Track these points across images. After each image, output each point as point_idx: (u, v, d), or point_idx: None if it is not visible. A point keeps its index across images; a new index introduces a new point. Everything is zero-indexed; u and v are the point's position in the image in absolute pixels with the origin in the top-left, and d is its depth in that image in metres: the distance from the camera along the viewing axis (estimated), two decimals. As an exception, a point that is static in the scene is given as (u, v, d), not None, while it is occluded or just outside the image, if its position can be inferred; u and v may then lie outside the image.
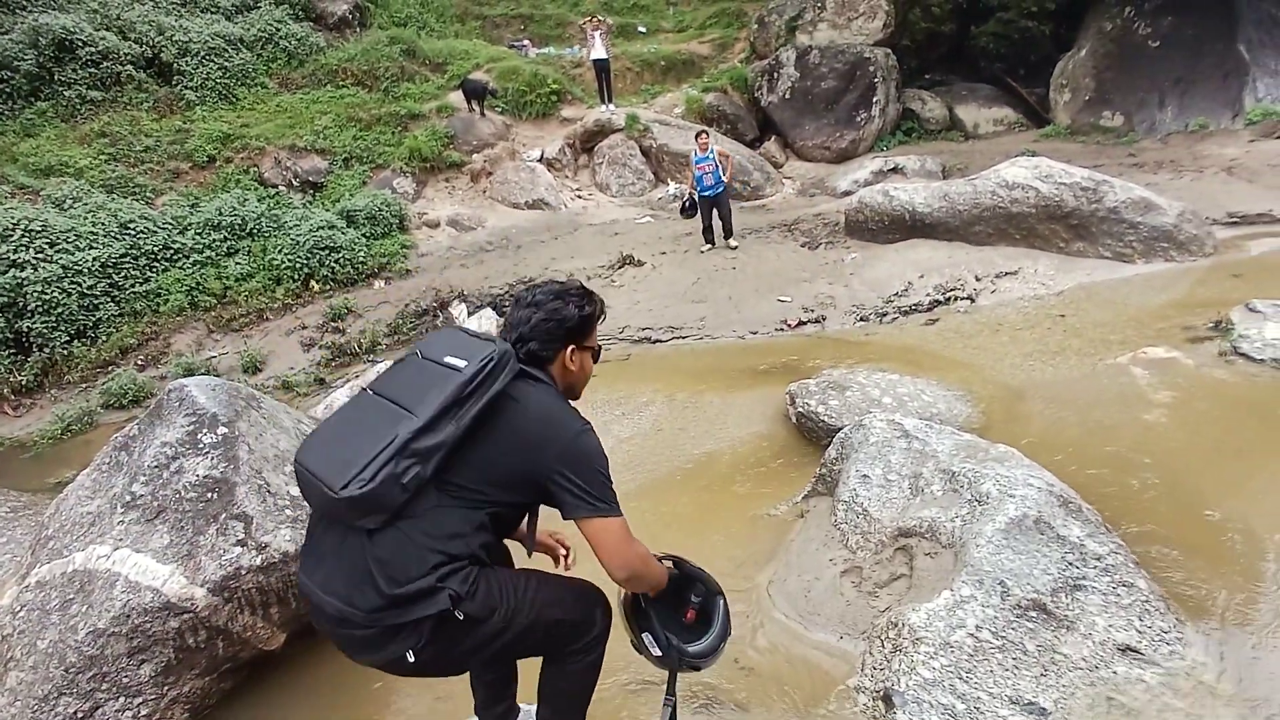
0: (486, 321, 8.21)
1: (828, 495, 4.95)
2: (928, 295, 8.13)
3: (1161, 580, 3.61)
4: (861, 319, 8.00)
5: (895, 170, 13.07)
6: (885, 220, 9.37)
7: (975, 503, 4.16)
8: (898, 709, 3.29)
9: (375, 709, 4.15)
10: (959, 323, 7.47)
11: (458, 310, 9.22)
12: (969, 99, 15.67)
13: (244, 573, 4.30)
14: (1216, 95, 12.48)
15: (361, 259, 10.64)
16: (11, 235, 8.93)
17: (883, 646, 3.69)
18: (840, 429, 5.32)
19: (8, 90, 12.14)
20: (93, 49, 12.67)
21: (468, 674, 2.40)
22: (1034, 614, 3.53)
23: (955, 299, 7.92)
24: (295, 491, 4.74)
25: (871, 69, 14.41)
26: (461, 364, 1.81)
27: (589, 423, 1.96)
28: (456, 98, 14.49)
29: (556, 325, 2.00)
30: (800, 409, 5.89)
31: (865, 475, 4.67)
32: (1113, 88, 13.39)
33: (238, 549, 4.39)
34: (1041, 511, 3.94)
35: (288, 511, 4.63)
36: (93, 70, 12.67)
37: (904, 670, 3.48)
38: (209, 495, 4.51)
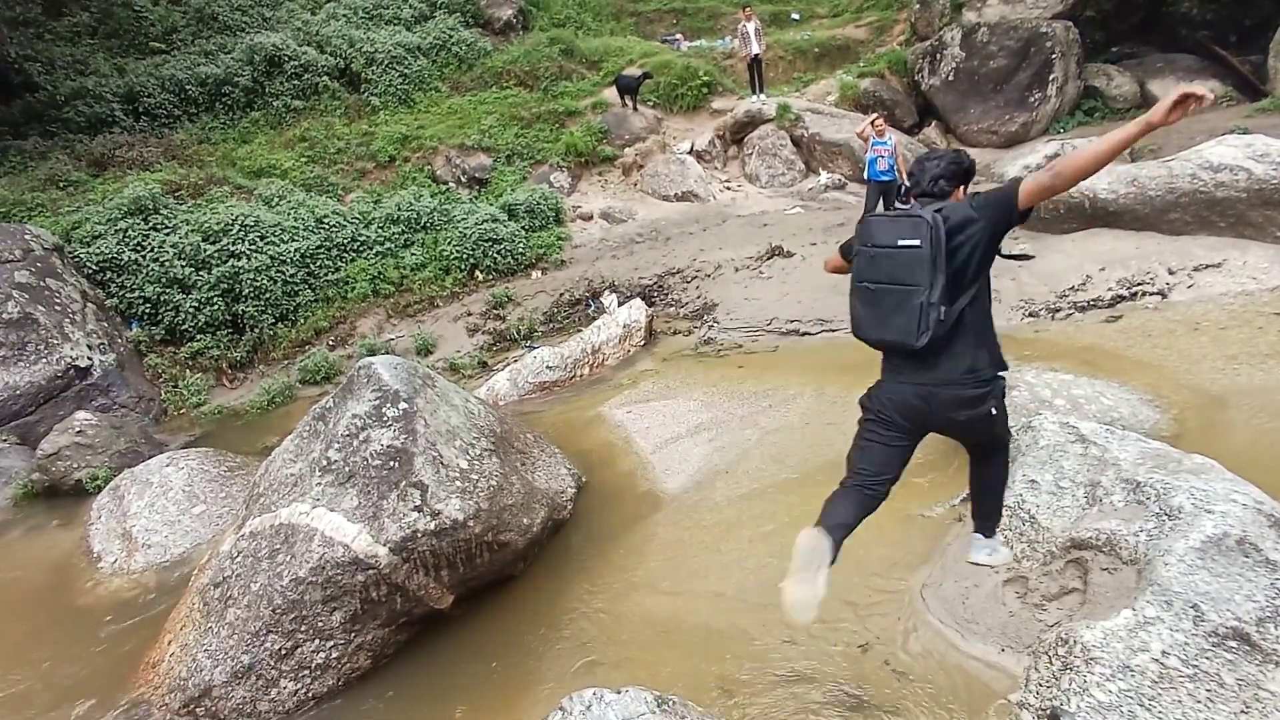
0: (636, 311, 8.42)
1: (990, 499, 4.71)
2: (1109, 290, 7.45)
3: (1399, 618, 3.15)
4: (1030, 314, 7.47)
5: (1074, 154, 12.04)
6: (1060, 208, 8.67)
7: (1165, 517, 3.82)
8: (1067, 728, 3.10)
9: (532, 665, 4.43)
10: (1147, 320, 6.79)
11: (609, 300, 9.51)
12: (1165, 72, 14.03)
13: (420, 536, 4.72)
14: None
15: (521, 250, 11.23)
16: (231, 229, 10.23)
17: (1050, 663, 3.48)
18: (1006, 430, 5.03)
19: (229, 103, 13.89)
20: (296, 63, 14.21)
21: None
22: (1234, 644, 3.20)
23: (1144, 294, 7.20)
24: (464, 465, 5.13)
25: (1048, 45, 13.29)
26: (916, 241, 2.59)
27: None
28: (611, 94, 14.89)
29: (957, 167, 2.83)
30: (961, 408, 5.61)
31: (1034, 480, 4.41)
32: (1353, 52, 11.59)
33: (415, 514, 4.82)
34: (1247, 531, 3.56)
35: (457, 483, 5.01)
36: (296, 82, 14.21)
37: (1075, 690, 3.27)
38: (391, 463, 4.97)
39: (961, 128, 14.08)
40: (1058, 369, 5.94)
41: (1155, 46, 15.12)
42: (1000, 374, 2.80)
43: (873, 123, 9.87)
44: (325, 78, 14.42)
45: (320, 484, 5.07)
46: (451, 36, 16.05)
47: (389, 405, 5.22)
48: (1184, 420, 5.19)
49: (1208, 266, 7.33)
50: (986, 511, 3.28)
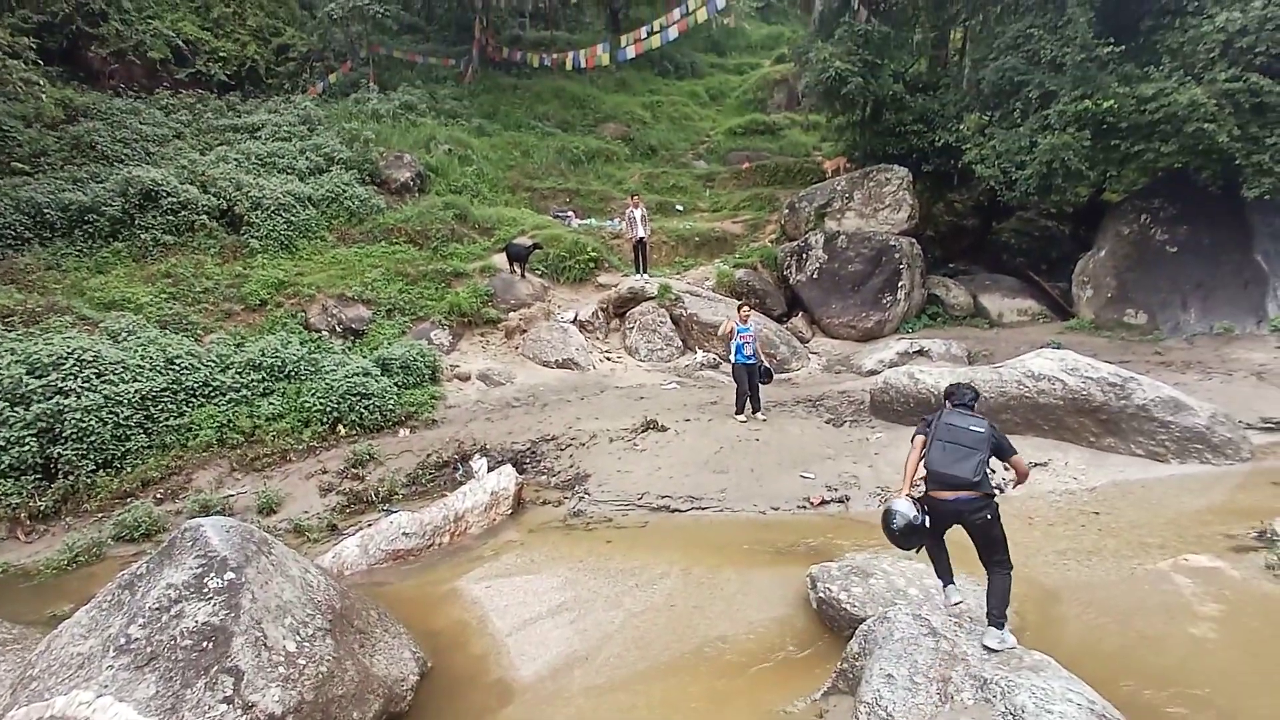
0: (505, 479, 8.15)
1: (849, 694, 4.65)
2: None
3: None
4: (885, 501, 7.82)
5: (921, 352, 13.28)
6: (910, 402, 9.41)
7: (1010, 716, 3.88)
8: None
9: None
10: (988, 513, 7.27)
11: (478, 464, 9.19)
12: (993, 289, 16.18)
13: (223, 736, 4.06)
14: (1239, 301, 12.75)
15: (390, 407, 10.80)
16: (64, 364, 9.26)
17: None
18: (863, 619, 5.08)
19: (91, 231, 13.13)
20: (174, 199, 13.78)
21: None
22: None
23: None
24: (291, 647, 4.58)
25: (897, 256, 15.08)
26: (982, 429, 4.71)
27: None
28: (500, 259, 15.32)
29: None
30: (821, 594, 5.65)
31: (890, 675, 4.40)
32: (1134, 287, 13.78)
33: (223, 706, 4.19)
34: (1084, 735, 3.64)
35: (280, 669, 4.44)
36: (170, 217, 13.69)
37: None
38: (204, 644, 4.37)
39: (825, 320, 15.36)
40: (911, 558, 6.12)
41: (984, 266, 17.54)
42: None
43: (739, 309, 10.60)
44: (204, 216, 14.00)
45: (113, 667, 4.35)
46: (345, 191, 16.20)
47: (213, 575, 4.65)
48: (1024, 614, 5.42)
49: (1036, 465, 8.02)
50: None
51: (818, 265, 15.55)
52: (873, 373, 12.30)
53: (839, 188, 16.31)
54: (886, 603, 5.36)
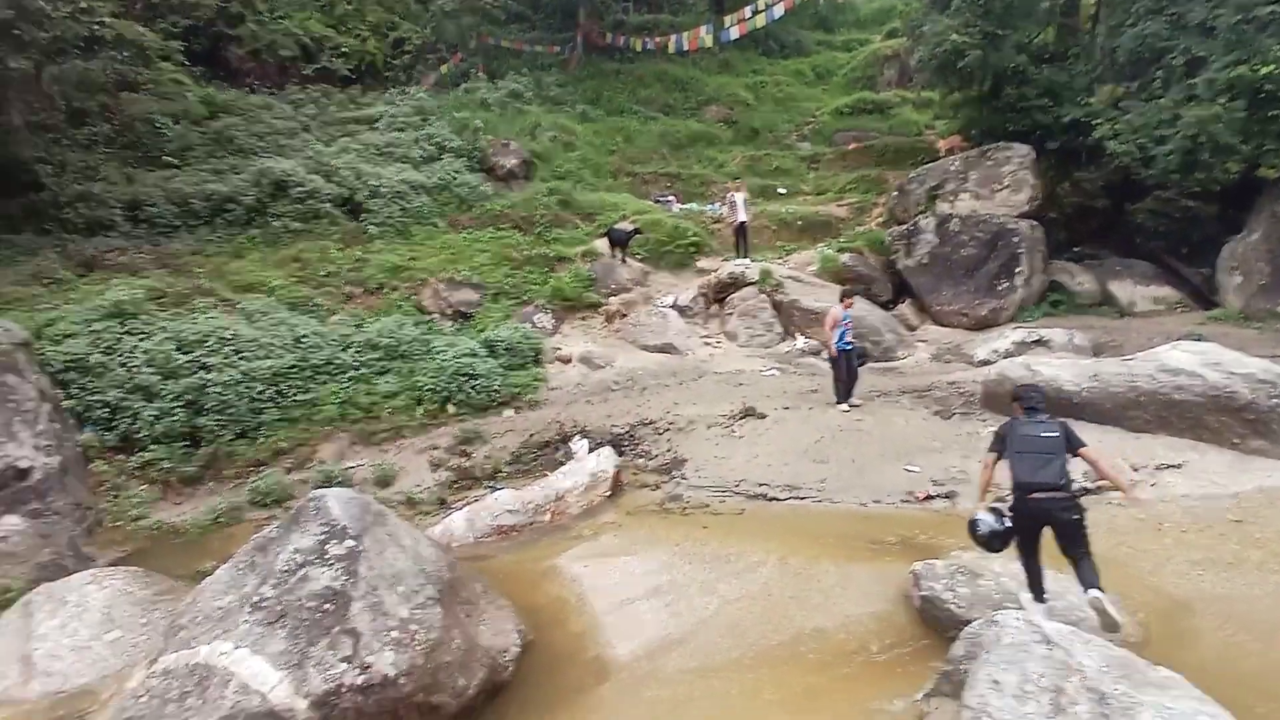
0: (605, 460, 8.31)
1: (953, 698, 4.48)
2: (1075, 482, 7.50)
3: None
4: (997, 500, 7.46)
5: (1040, 343, 12.50)
6: (1025, 395, 8.90)
7: (1131, 737, 3.63)
8: None
9: None
10: (1112, 517, 6.77)
11: (579, 445, 9.40)
12: (1124, 275, 14.97)
13: (344, 690, 4.36)
14: None
15: (496, 387, 11.24)
16: (208, 341, 10.22)
17: None
18: (970, 622, 4.88)
19: (230, 219, 14.31)
20: (302, 189, 14.81)
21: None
22: None
23: (1107, 489, 7.25)
24: (404, 614, 4.84)
25: (1015, 240, 14.23)
26: (1055, 433, 5.04)
27: None
28: (601, 244, 15.56)
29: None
30: (925, 592, 5.47)
31: (997, 681, 4.21)
32: (1292, 274, 12.48)
33: (343, 665, 4.48)
34: (1217, 763, 3.38)
35: (394, 634, 4.71)
36: (299, 206, 14.74)
37: None
38: (326, 606, 4.68)
39: (935, 308, 14.71)
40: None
41: (1114, 250, 16.22)
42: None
43: (843, 297, 10.30)
44: (328, 204, 14.97)
45: (248, 622, 4.74)
46: (456, 178, 16.91)
47: (334, 542, 4.99)
48: (1149, 625, 5.07)
49: (1169, 467, 7.45)
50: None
51: (928, 250, 14.89)
52: (985, 363, 11.70)
53: (953, 168, 15.53)
54: (995, 606, 5.13)
